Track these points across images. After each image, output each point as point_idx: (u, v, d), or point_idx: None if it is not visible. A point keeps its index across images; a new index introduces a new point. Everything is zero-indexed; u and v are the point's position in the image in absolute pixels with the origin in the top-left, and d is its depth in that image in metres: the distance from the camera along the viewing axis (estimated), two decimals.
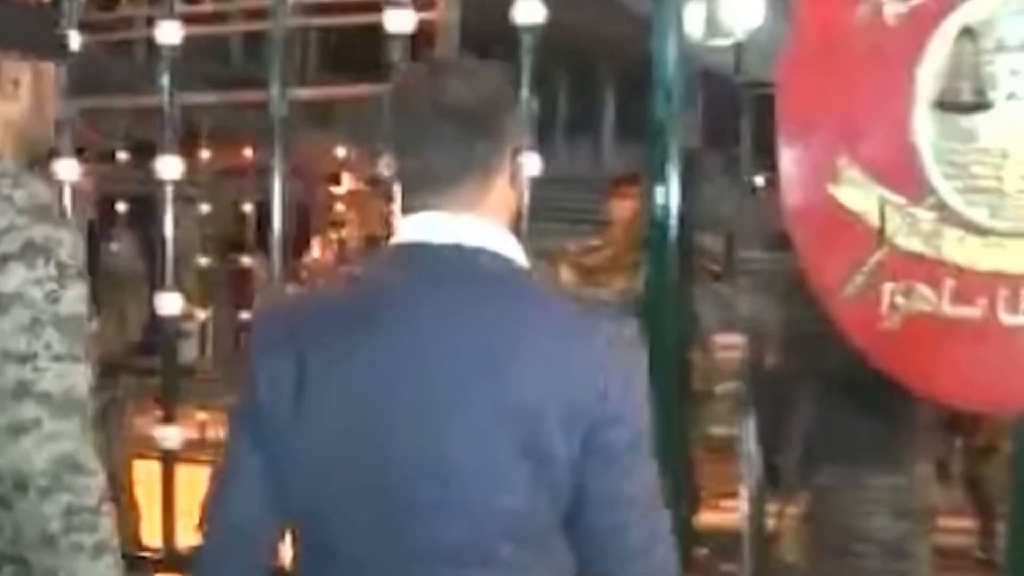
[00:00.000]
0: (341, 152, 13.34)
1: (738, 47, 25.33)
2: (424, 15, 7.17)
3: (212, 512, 2.22)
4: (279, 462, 2.12)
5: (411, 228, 2.14)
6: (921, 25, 3.17)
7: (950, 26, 3.15)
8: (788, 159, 3.30)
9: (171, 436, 4.30)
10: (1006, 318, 3.12)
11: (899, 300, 3.20)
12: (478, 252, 2.11)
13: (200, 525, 2.23)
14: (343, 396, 2.07)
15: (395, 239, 2.17)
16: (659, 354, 2.73)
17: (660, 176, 3.56)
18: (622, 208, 6.02)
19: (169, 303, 4.28)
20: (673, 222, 3.55)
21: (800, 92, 3.28)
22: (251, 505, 2.17)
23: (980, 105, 3.14)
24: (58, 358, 2.28)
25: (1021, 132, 3.11)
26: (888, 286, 3.20)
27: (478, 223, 2.11)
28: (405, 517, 2.05)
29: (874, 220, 3.20)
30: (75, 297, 2.35)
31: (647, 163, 3.67)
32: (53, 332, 2.29)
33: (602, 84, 34.62)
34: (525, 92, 3.62)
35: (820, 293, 3.27)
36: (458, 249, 2.10)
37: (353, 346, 2.09)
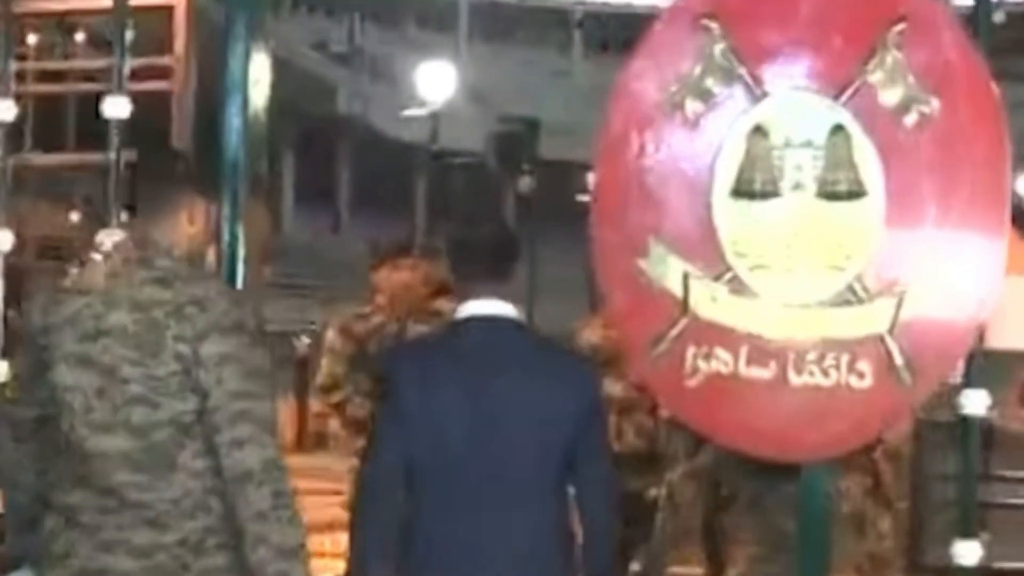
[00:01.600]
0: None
1: (434, 118, 25.68)
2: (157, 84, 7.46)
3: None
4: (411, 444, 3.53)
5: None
6: (719, 122, 3.63)
7: (744, 124, 3.62)
8: (602, 235, 3.71)
9: None
10: (794, 378, 3.59)
11: (700, 363, 3.64)
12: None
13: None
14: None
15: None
16: None
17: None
18: (392, 279, 6.37)
19: None
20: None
21: (614, 175, 3.71)
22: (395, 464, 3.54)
23: (770, 194, 3.61)
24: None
25: (805, 218, 3.59)
26: (691, 350, 3.64)
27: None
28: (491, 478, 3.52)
29: (678, 292, 3.64)
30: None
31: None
32: None
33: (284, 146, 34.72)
34: None
35: (629, 355, 3.70)
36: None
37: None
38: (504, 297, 3.63)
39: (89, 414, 3.14)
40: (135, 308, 3.14)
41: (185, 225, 3.34)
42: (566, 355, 3.92)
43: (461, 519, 3.51)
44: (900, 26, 3.56)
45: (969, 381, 3.70)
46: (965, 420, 3.71)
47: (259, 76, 3.87)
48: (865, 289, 3.57)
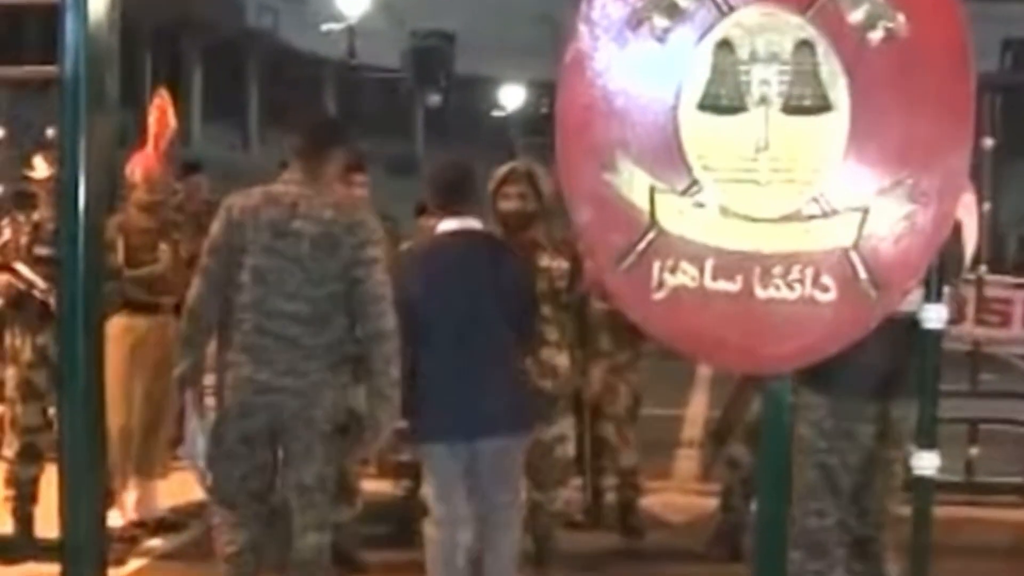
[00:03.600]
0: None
1: (350, 32, 25.39)
2: None
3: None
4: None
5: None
6: (685, 38, 3.64)
7: (710, 39, 3.63)
8: (568, 149, 3.72)
9: None
10: (760, 292, 3.64)
11: (667, 276, 3.68)
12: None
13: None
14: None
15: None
16: None
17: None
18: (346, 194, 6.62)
19: None
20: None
21: (579, 89, 3.71)
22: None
23: (736, 108, 3.63)
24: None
25: (771, 133, 3.62)
26: (657, 263, 3.67)
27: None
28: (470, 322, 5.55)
29: (645, 205, 3.66)
30: None
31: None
32: None
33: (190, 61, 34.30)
34: None
35: (597, 269, 3.72)
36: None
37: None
38: (469, 214, 5.69)
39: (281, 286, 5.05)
40: (318, 222, 5.06)
41: None
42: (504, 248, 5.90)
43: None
44: None
45: (929, 295, 3.77)
46: (925, 334, 3.77)
47: None
48: (830, 204, 3.61)
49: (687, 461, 9.00)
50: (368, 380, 5.13)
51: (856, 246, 3.60)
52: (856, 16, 3.59)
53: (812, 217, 3.62)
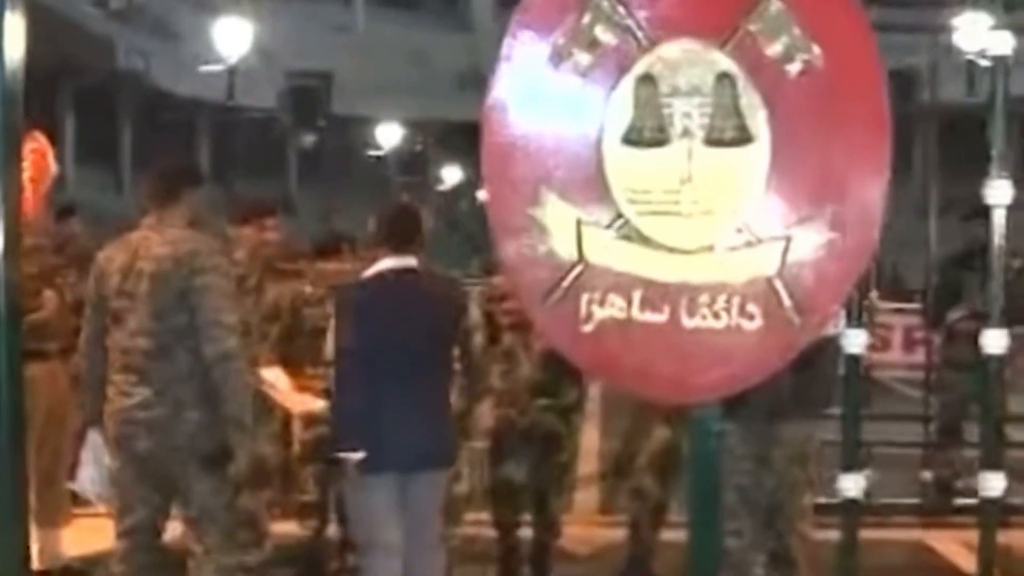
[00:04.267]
0: None
1: (230, 73, 25.30)
2: None
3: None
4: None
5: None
6: (608, 72, 3.69)
7: (632, 74, 3.68)
8: (493, 186, 3.75)
9: None
10: (687, 322, 3.68)
11: (595, 308, 3.71)
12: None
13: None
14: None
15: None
16: None
17: None
18: (256, 238, 7.12)
19: None
20: None
21: (503, 127, 3.73)
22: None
23: (659, 141, 3.69)
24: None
25: (693, 165, 3.67)
26: (585, 296, 3.70)
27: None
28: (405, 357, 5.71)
29: (572, 239, 3.70)
30: None
31: None
32: None
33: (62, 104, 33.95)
34: None
35: (525, 304, 3.74)
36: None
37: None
38: (409, 254, 5.86)
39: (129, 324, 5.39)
40: (153, 260, 5.38)
41: None
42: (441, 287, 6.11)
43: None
44: None
45: (850, 321, 3.85)
46: (848, 359, 3.84)
47: (14, 28, 3.88)
48: (753, 233, 3.67)
49: (586, 494, 9.04)
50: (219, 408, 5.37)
51: (780, 274, 3.66)
52: (774, 49, 3.65)
53: (736, 247, 3.67)
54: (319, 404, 7.12)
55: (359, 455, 5.52)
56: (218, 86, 27.79)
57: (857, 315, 3.86)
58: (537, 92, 3.72)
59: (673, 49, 3.68)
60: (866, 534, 7.85)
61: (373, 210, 6.34)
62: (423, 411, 5.71)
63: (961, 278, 9.25)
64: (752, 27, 3.66)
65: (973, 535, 8.54)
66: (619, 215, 3.68)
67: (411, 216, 6.06)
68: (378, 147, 38.38)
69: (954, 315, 9.22)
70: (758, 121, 3.66)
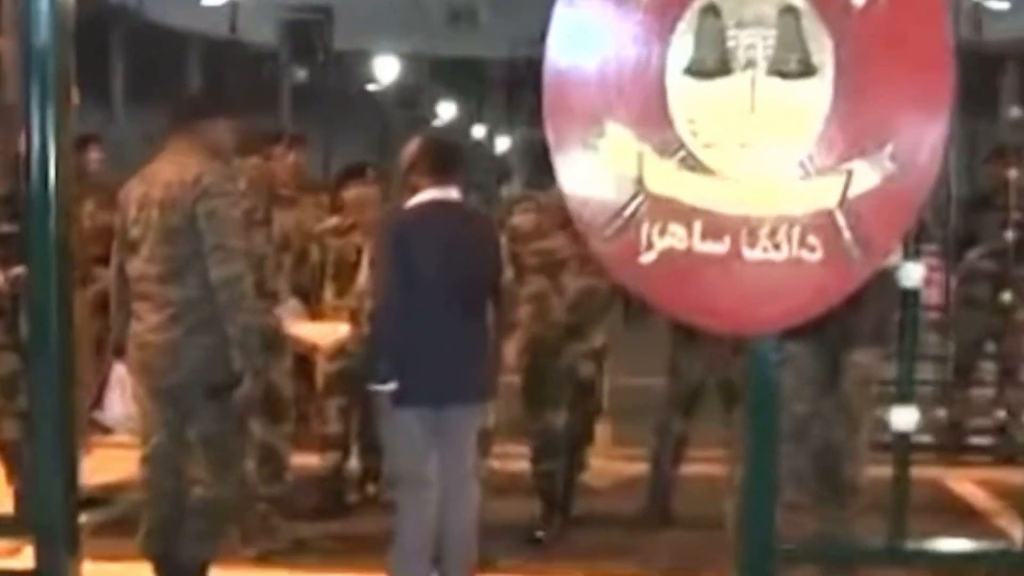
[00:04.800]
0: None
1: (233, 8, 25.02)
2: None
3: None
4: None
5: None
6: (672, 2, 3.67)
7: (696, 4, 3.67)
8: (554, 115, 3.73)
9: None
10: (748, 253, 3.69)
11: (655, 239, 3.71)
12: None
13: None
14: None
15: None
16: None
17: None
18: (263, 167, 7.17)
19: None
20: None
21: (564, 57, 3.71)
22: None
23: (722, 72, 3.68)
24: None
25: (756, 95, 3.67)
26: (645, 226, 3.70)
27: None
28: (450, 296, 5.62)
29: (633, 170, 3.69)
30: None
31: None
32: None
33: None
34: None
35: (586, 231, 3.74)
36: None
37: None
38: (452, 185, 5.80)
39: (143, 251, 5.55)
40: (164, 186, 5.46)
41: None
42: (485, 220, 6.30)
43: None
44: None
45: (907, 255, 3.85)
46: (905, 293, 3.85)
47: None
48: (814, 166, 3.67)
49: (603, 426, 9.07)
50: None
51: (840, 207, 3.67)
52: None
53: (797, 179, 3.68)
54: (344, 331, 7.12)
55: (392, 386, 5.51)
56: (214, 19, 27.64)
57: (914, 249, 3.86)
58: (599, 23, 3.69)
59: None
60: (880, 471, 8.02)
61: (373, 142, 6.34)
62: (464, 345, 5.69)
63: (981, 219, 9.26)
64: None
65: (988, 473, 8.74)
66: (681, 145, 3.68)
67: (452, 148, 6.00)
68: (376, 81, 38.28)
69: (972, 255, 9.24)
70: (822, 54, 3.66)
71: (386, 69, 39.01)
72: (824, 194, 3.68)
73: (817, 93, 3.66)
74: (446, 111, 45.73)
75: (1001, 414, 9.27)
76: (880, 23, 3.63)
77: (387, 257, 5.75)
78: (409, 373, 5.54)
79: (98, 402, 6.16)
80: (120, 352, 5.74)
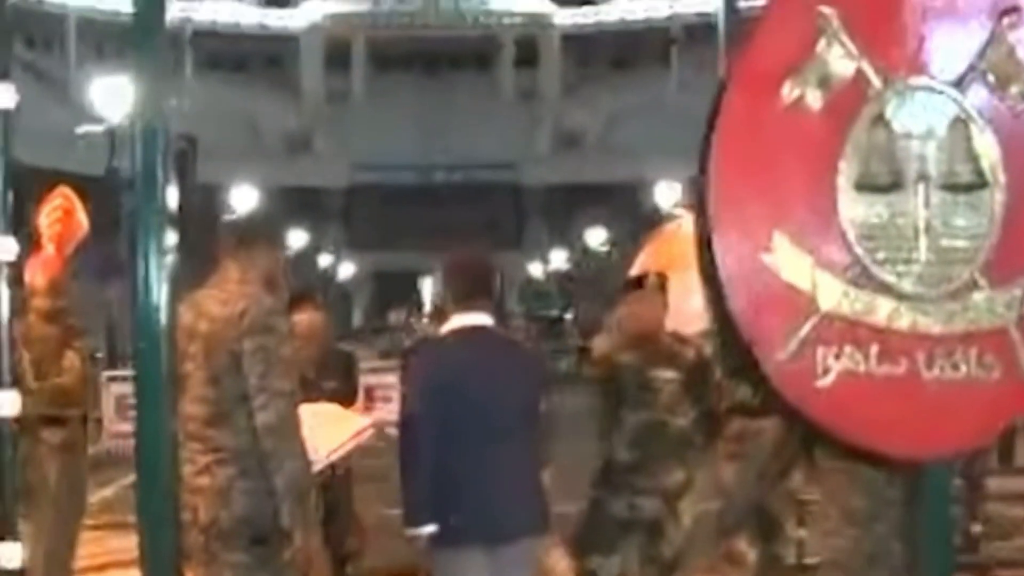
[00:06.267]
0: None
1: (111, 134, 24.50)
2: None
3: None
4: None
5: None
6: (841, 113, 3.52)
7: (867, 115, 3.52)
8: (722, 231, 3.52)
9: None
10: (926, 374, 3.51)
11: (831, 361, 3.52)
12: None
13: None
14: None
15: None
16: None
17: None
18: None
19: None
20: None
21: (733, 173, 3.52)
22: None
23: (893, 186, 3.53)
24: None
25: (929, 209, 3.52)
26: (821, 349, 3.51)
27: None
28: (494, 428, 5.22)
29: (807, 289, 3.50)
30: None
31: None
32: None
33: None
34: None
35: (757, 354, 3.52)
36: None
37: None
38: (483, 310, 5.38)
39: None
40: (210, 319, 4.92)
41: None
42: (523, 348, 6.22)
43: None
44: (1012, 16, 3.55)
45: None
46: None
47: None
48: (989, 281, 3.54)
49: None
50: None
51: (1018, 324, 3.53)
52: (1009, 89, 3.54)
53: (973, 295, 3.54)
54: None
55: (431, 528, 5.12)
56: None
57: None
58: (768, 133, 3.52)
59: (907, 90, 3.54)
60: None
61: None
62: (515, 477, 5.28)
63: None
64: (985, 66, 3.54)
65: None
66: (855, 261, 3.51)
67: (484, 268, 5.61)
68: (233, 211, 37.94)
69: None
70: (992, 164, 3.54)
71: (244, 198, 38.72)
72: (1000, 310, 3.54)
73: (989, 204, 3.54)
74: (296, 239, 45.35)
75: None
76: None
77: (417, 391, 5.36)
78: (452, 510, 5.14)
79: None
80: None
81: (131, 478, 11.50)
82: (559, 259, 57.06)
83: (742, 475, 6.54)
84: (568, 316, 47.84)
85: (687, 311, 7.04)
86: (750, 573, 6.72)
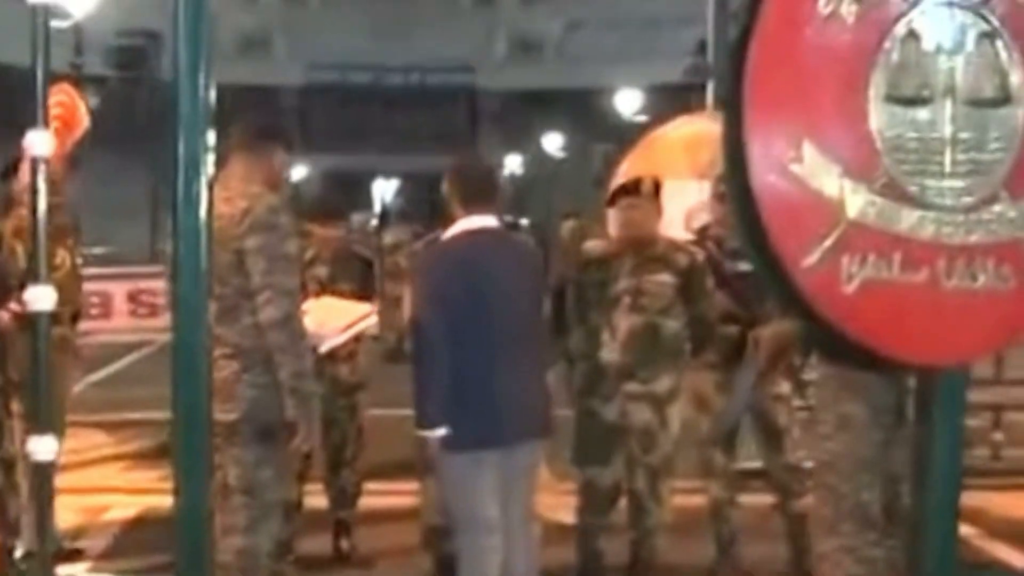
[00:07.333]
0: None
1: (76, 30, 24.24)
2: None
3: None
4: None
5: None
6: (874, 26, 3.59)
7: (899, 29, 3.59)
8: (755, 141, 3.60)
9: None
10: (945, 282, 3.63)
11: (855, 269, 3.62)
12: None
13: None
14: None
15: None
16: None
17: None
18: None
19: None
20: None
21: (766, 81, 3.59)
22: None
23: (922, 99, 3.61)
24: None
25: (955, 123, 3.62)
26: (846, 257, 3.61)
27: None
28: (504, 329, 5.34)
29: (834, 198, 3.59)
30: None
31: None
32: None
33: None
34: None
35: (783, 263, 3.61)
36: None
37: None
38: (491, 213, 5.50)
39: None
40: (217, 217, 4.25)
41: None
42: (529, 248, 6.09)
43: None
44: None
45: None
46: None
47: None
48: (1011, 194, 3.64)
49: None
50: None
51: None
52: None
53: (994, 207, 3.64)
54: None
55: (443, 431, 5.21)
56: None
57: None
58: (801, 44, 3.59)
59: (938, 5, 3.61)
60: None
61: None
62: (522, 378, 5.37)
63: None
64: None
65: None
66: (883, 172, 3.60)
67: (485, 173, 5.74)
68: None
69: None
70: (1018, 80, 3.63)
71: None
72: (1020, 221, 3.65)
73: (1014, 120, 3.63)
74: None
75: None
76: None
77: (427, 293, 5.44)
78: (464, 415, 5.24)
79: None
80: None
81: (96, 376, 11.56)
82: (514, 164, 56.84)
83: (738, 383, 6.65)
84: (524, 221, 47.88)
85: (670, 215, 7.21)
86: (725, 483, 6.85)
